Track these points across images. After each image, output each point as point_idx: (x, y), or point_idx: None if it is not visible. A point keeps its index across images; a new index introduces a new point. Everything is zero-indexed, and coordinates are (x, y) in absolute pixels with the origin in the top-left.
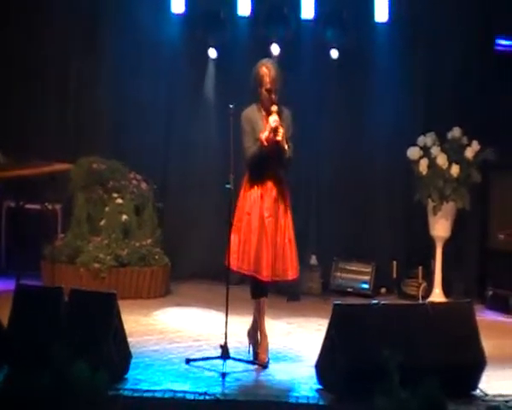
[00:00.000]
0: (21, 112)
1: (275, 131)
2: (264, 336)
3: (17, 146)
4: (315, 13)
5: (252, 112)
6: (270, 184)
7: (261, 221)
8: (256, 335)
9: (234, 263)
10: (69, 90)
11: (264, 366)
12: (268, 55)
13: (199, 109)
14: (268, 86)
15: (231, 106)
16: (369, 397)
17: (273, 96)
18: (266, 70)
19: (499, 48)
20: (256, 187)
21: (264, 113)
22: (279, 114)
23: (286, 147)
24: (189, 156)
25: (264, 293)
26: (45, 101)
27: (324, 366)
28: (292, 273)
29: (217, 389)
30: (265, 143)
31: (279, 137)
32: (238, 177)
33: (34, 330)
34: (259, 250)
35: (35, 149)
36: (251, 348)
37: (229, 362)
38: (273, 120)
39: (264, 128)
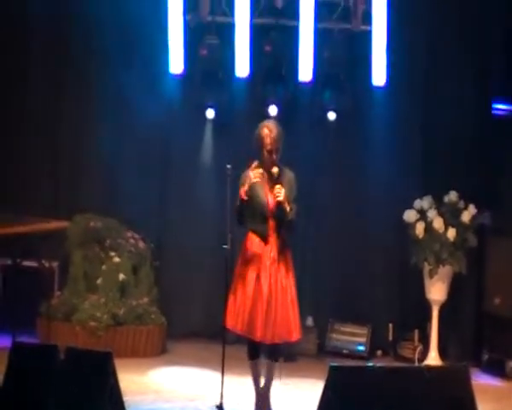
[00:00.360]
0: (16, 168)
1: (276, 192)
2: (267, 396)
3: (13, 203)
4: (313, 75)
5: (251, 172)
6: (270, 245)
7: (257, 281)
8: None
9: (229, 322)
10: (64, 147)
11: None
12: (266, 116)
13: (196, 170)
14: (268, 147)
15: (228, 166)
16: None
17: (274, 157)
18: (267, 131)
19: (496, 112)
20: (255, 247)
21: (265, 173)
22: (280, 175)
23: (288, 208)
24: (186, 216)
25: (257, 355)
26: (40, 157)
27: None
28: (295, 335)
29: None
30: (244, 197)
31: (280, 198)
32: (236, 237)
33: (29, 388)
34: (253, 311)
35: (29, 207)
36: None
37: None
38: (278, 187)
39: (264, 190)
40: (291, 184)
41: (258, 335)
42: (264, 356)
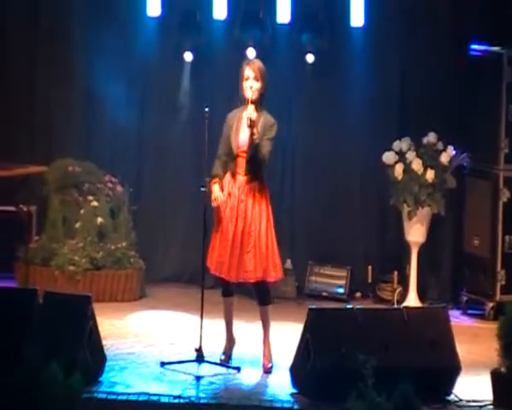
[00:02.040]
0: None
1: (250, 123)
2: (266, 342)
3: None
4: (291, 17)
5: (233, 114)
6: (239, 184)
7: (225, 220)
8: (229, 336)
9: (208, 261)
10: (41, 92)
11: (267, 371)
12: (244, 58)
13: (174, 112)
14: (246, 75)
15: (206, 109)
16: (343, 401)
17: (252, 86)
18: (248, 65)
19: (473, 53)
20: (226, 186)
21: (245, 110)
22: (259, 114)
23: (255, 135)
24: (164, 159)
25: (228, 293)
26: (18, 102)
27: (299, 369)
28: (273, 275)
29: (191, 393)
30: (214, 204)
31: (252, 118)
32: None
33: (8, 332)
34: (220, 249)
35: (7, 151)
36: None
37: (204, 365)
38: (249, 113)
39: (238, 127)
40: (267, 126)
41: (224, 274)
42: (256, 302)
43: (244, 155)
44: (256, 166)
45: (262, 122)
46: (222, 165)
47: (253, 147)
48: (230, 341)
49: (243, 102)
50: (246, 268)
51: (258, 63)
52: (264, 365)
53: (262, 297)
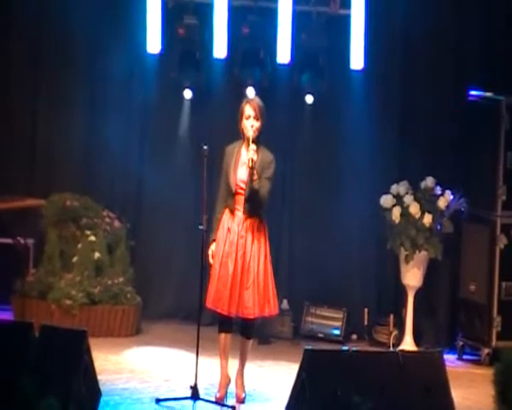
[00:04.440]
0: None
1: (252, 166)
2: (241, 373)
3: None
4: (291, 57)
5: (232, 147)
6: (238, 221)
7: (224, 256)
8: (225, 373)
9: (207, 298)
10: (41, 126)
11: (241, 401)
12: (243, 97)
13: (173, 150)
14: (247, 114)
15: (205, 147)
16: None
17: (253, 125)
18: (249, 103)
19: (472, 98)
20: (226, 222)
21: (243, 146)
22: (257, 152)
23: (255, 176)
24: (163, 196)
25: (226, 329)
26: (17, 136)
27: (294, 409)
28: (269, 310)
29: None
30: (209, 259)
31: (250, 162)
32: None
33: (3, 365)
34: (220, 285)
35: (5, 184)
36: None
37: (199, 403)
38: (251, 154)
39: (236, 163)
40: (265, 164)
41: (223, 309)
42: (238, 334)
43: (242, 192)
44: (255, 205)
45: (260, 159)
46: (222, 210)
47: (252, 189)
48: (226, 377)
49: (242, 138)
50: (245, 304)
51: (258, 101)
52: (237, 395)
53: (248, 331)
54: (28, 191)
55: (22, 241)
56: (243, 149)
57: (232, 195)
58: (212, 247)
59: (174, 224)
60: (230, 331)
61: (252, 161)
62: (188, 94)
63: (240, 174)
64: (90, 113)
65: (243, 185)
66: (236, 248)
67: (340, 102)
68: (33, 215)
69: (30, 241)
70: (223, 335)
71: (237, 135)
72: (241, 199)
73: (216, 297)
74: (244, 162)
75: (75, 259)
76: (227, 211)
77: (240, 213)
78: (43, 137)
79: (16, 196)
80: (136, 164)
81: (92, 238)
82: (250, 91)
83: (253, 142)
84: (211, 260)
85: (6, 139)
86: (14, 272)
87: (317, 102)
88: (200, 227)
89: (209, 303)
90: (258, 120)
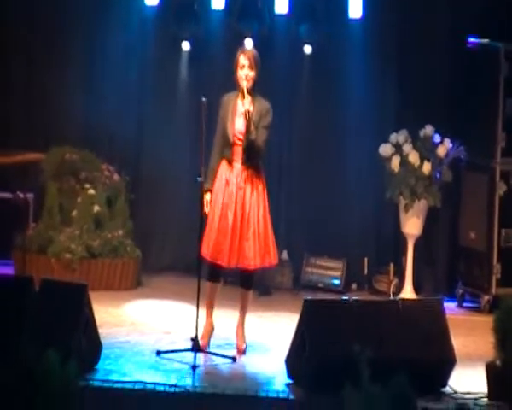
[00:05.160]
0: None
1: (248, 117)
2: (242, 324)
3: None
4: (289, 8)
5: (228, 97)
6: (236, 172)
7: (223, 208)
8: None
9: (202, 249)
10: (39, 80)
11: (242, 352)
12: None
13: (171, 102)
14: (241, 64)
15: (203, 99)
16: (338, 392)
17: (247, 75)
18: (243, 53)
19: (471, 46)
20: (223, 174)
21: (239, 97)
22: (253, 102)
23: (251, 127)
24: (162, 149)
25: (215, 279)
26: (16, 90)
27: (294, 360)
28: (268, 260)
29: (187, 382)
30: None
31: (250, 126)
32: None
33: (3, 320)
34: (219, 237)
35: (4, 139)
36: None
37: (200, 355)
38: (246, 106)
39: (234, 114)
40: (262, 113)
41: (223, 261)
42: (239, 285)
43: (240, 142)
44: (252, 155)
45: (257, 109)
46: (217, 160)
47: (250, 140)
48: (210, 327)
49: (238, 88)
50: (246, 255)
51: (253, 51)
52: (238, 346)
53: (247, 282)
54: (27, 146)
55: (22, 195)
56: (239, 100)
57: (230, 146)
58: (207, 196)
59: (173, 176)
60: (219, 281)
61: (248, 112)
62: (186, 46)
63: (237, 125)
64: (88, 66)
65: (241, 136)
66: (236, 199)
67: (338, 51)
68: (33, 169)
69: (29, 195)
70: (211, 284)
71: (235, 87)
72: (238, 150)
73: (216, 249)
74: (241, 113)
75: (74, 212)
76: (224, 162)
77: (238, 165)
78: (41, 91)
79: (15, 150)
80: (135, 117)
81: (91, 192)
82: (248, 42)
83: (248, 92)
84: (206, 210)
85: (4, 95)
86: (14, 227)
87: (316, 52)
88: (199, 179)
89: (207, 255)
90: (252, 69)
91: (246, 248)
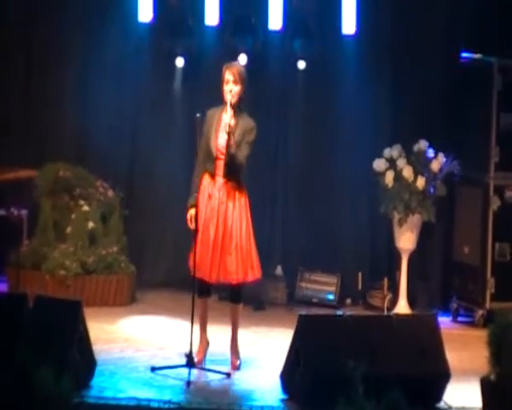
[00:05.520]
0: None
1: (228, 131)
2: (234, 340)
3: None
4: (282, 24)
5: (212, 112)
6: (218, 186)
7: (205, 222)
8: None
9: (189, 263)
10: (33, 95)
11: (236, 368)
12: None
13: (166, 117)
14: (226, 79)
15: (198, 115)
16: (333, 407)
17: (231, 89)
18: (228, 68)
19: (464, 61)
20: (206, 188)
21: (224, 111)
22: (238, 118)
23: (232, 142)
24: (156, 165)
25: (204, 294)
26: (9, 107)
27: (289, 375)
28: (251, 275)
29: (181, 398)
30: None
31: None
32: None
33: None
34: (202, 252)
35: None
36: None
37: (194, 371)
38: (228, 119)
39: (217, 128)
40: (246, 130)
41: (205, 275)
42: (228, 300)
43: (223, 157)
44: (233, 170)
45: (241, 126)
46: (200, 175)
47: (230, 154)
48: (204, 342)
49: (224, 103)
50: (227, 269)
51: (238, 67)
52: (232, 362)
53: (236, 296)
54: (21, 163)
55: (16, 212)
56: (224, 114)
57: (213, 160)
58: (192, 212)
59: (167, 192)
60: (209, 296)
61: (228, 126)
62: (180, 62)
63: (220, 139)
64: (83, 83)
65: (223, 150)
66: (218, 213)
67: (332, 67)
68: (27, 186)
69: (23, 212)
70: (201, 300)
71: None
72: (221, 164)
73: (198, 264)
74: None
75: (69, 229)
76: (207, 176)
77: (220, 179)
78: (36, 107)
79: (9, 167)
80: (129, 133)
81: (86, 208)
82: (242, 58)
83: (232, 106)
84: (190, 225)
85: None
86: (8, 244)
87: (310, 67)
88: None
89: (192, 270)
90: (237, 84)
91: (228, 263)
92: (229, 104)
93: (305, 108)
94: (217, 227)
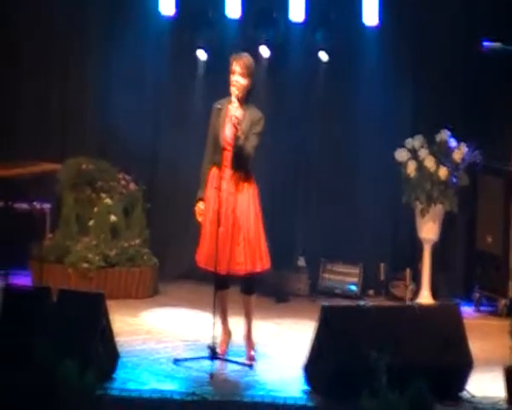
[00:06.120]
0: (8, 112)
1: (234, 122)
2: (249, 331)
3: (4, 147)
4: (304, 15)
5: (219, 104)
6: (227, 178)
7: (214, 214)
8: (225, 329)
9: (197, 258)
10: (55, 90)
11: (252, 359)
12: (257, 57)
13: (187, 111)
14: (232, 69)
15: (219, 106)
16: (356, 398)
17: (237, 81)
18: (235, 60)
19: (486, 49)
20: (215, 180)
21: (231, 103)
22: (245, 110)
23: (239, 132)
24: (178, 157)
25: (222, 286)
26: (32, 101)
27: (312, 367)
28: (260, 266)
29: (204, 390)
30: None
31: (233, 120)
32: None
33: (22, 331)
34: (211, 244)
35: (21, 150)
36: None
37: (217, 362)
38: (233, 111)
39: (224, 120)
40: (254, 121)
41: (215, 267)
42: (240, 292)
43: (230, 148)
44: (242, 161)
45: (248, 117)
46: (208, 167)
47: (238, 145)
48: (227, 333)
49: (230, 95)
50: (236, 261)
51: (246, 59)
52: (247, 354)
53: (248, 287)
54: (43, 157)
55: (39, 206)
56: (230, 106)
57: (220, 152)
58: (200, 205)
59: (189, 185)
60: (227, 288)
61: (235, 117)
62: (202, 55)
63: (227, 131)
64: (104, 76)
65: (231, 142)
66: (226, 205)
67: (354, 58)
68: (49, 180)
69: (46, 206)
70: (219, 292)
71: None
72: (228, 155)
73: (207, 256)
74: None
75: (91, 222)
76: (215, 169)
77: (228, 170)
78: (58, 101)
79: (32, 161)
80: (151, 126)
81: (108, 201)
82: (264, 50)
83: (237, 98)
84: (198, 218)
85: (20, 106)
86: (31, 238)
87: (331, 59)
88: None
89: (201, 263)
90: (244, 77)
91: (236, 254)
92: (233, 96)
93: (327, 99)
94: (226, 219)
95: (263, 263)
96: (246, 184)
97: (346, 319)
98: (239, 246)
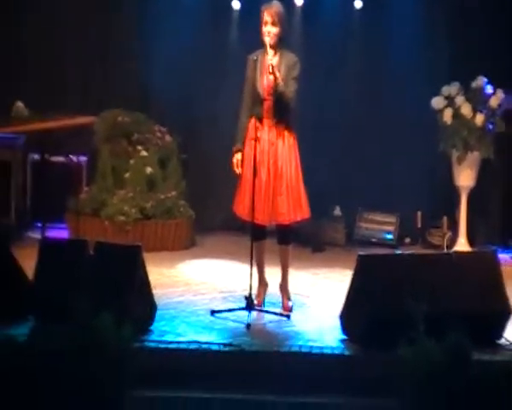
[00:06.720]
0: (45, 66)
1: (272, 70)
2: (285, 281)
3: (41, 99)
4: None
5: (255, 56)
6: (267, 128)
7: (256, 165)
8: (262, 279)
9: (236, 207)
10: (91, 43)
11: (289, 310)
12: (291, 5)
13: (223, 61)
14: (264, 20)
15: (254, 58)
16: (394, 347)
17: (270, 31)
18: (266, 10)
19: None
20: (254, 131)
21: (265, 53)
22: (280, 56)
23: (279, 79)
24: (214, 108)
25: (260, 237)
26: (66, 55)
27: (349, 316)
28: (300, 215)
29: (241, 340)
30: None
31: (277, 79)
32: None
33: (59, 283)
34: (254, 195)
35: (58, 103)
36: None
37: (254, 313)
38: (269, 59)
39: (262, 70)
40: (290, 65)
41: (257, 218)
42: (277, 242)
43: (270, 98)
44: (283, 109)
45: (284, 62)
46: (247, 119)
47: (278, 92)
48: (263, 284)
49: (263, 45)
50: (279, 210)
51: (276, 7)
52: (283, 304)
53: (285, 237)
54: (80, 109)
55: (75, 159)
56: (266, 56)
57: (260, 102)
58: (238, 156)
59: (225, 136)
60: (264, 239)
61: (272, 66)
62: (236, 4)
63: (266, 80)
64: (139, 29)
65: (271, 91)
66: (268, 155)
67: (388, 5)
68: (85, 133)
69: (83, 158)
70: (257, 243)
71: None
72: (269, 105)
73: (251, 208)
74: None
75: (127, 175)
76: (254, 120)
77: (269, 121)
78: (93, 53)
79: (68, 114)
80: (187, 77)
81: (144, 153)
82: None
83: (272, 47)
84: (236, 170)
85: (57, 59)
86: (67, 190)
87: (366, 6)
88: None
89: (243, 215)
90: (275, 25)
91: (279, 204)
92: (268, 45)
93: (362, 47)
94: (268, 169)
95: (303, 212)
96: (286, 134)
97: (383, 267)
98: (282, 196)
